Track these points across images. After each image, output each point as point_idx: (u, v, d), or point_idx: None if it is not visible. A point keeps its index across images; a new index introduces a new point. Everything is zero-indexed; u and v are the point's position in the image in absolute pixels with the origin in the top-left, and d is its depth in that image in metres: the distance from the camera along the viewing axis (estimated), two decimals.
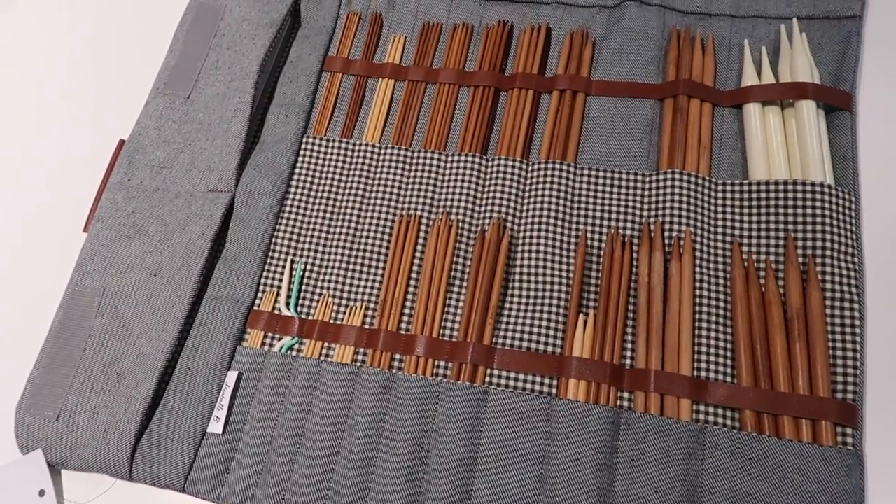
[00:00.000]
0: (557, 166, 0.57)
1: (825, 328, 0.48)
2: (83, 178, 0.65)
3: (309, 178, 0.61)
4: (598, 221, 0.56)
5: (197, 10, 0.69)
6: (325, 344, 0.55)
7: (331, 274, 0.57)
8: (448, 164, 0.60)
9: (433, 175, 0.60)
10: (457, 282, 0.55)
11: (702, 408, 0.48)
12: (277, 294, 0.57)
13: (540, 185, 0.57)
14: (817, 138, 0.54)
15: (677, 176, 0.55)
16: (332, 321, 0.56)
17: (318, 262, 0.58)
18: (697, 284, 0.51)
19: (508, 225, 0.56)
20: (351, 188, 0.60)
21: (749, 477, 0.45)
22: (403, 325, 0.55)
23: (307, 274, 0.58)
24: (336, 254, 0.58)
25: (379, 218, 0.58)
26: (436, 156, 0.60)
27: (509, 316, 0.54)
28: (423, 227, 0.58)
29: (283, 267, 0.58)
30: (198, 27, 0.68)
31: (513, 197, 0.57)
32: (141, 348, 0.54)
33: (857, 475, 0.44)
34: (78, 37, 0.76)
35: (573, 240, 0.55)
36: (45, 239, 0.64)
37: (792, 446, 0.45)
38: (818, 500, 0.43)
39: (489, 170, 0.59)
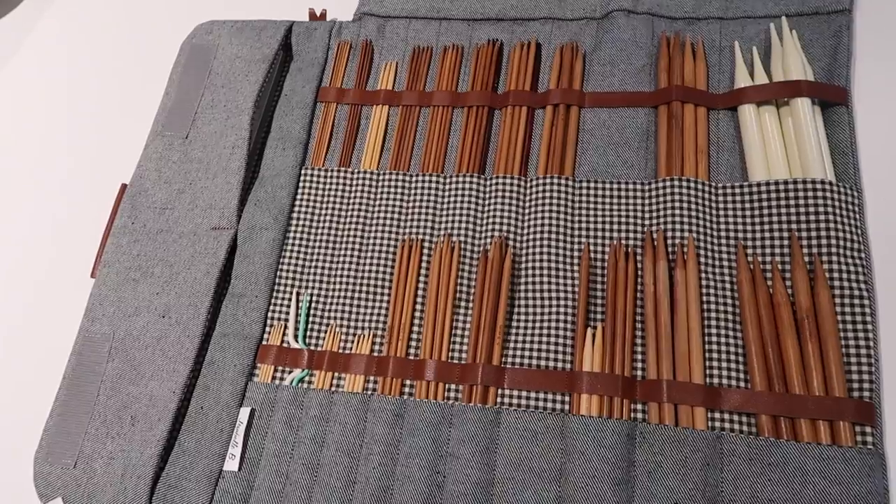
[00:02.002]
0: (556, 181, 0.57)
1: (836, 326, 0.48)
2: (88, 224, 0.66)
3: (310, 210, 0.62)
4: (600, 233, 0.56)
5: (190, 51, 0.70)
6: (336, 374, 0.55)
7: (337, 303, 0.58)
8: (447, 186, 0.60)
9: (433, 198, 0.60)
10: (463, 303, 0.55)
11: (717, 415, 0.48)
12: (285, 327, 0.57)
13: (539, 201, 0.57)
14: (815, 135, 0.54)
15: (676, 183, 0.55)
16: (340, 351, 0.56)
17: (323, 292, 0.59)
18: (704, 291, 0.51)
19: (510, 243, 0.56)
20: (352, 217, 0.61)
21: (770, 483, 0.44)
22: (412, 351, 0.55)
23: (313, 305, 0.58)
24: (341, 283, 0.58)
25: (381, 244, 0.59)
26: (434, 178, 0.60)
27: (517, 334, 0.53)
28: (425, 251, 0.58)
29: (290, 300, 0.58)
30: (192, 67, 0.69)
31: (513, 214, 0.57)
32: (153, 390, 0.54)
33: (880, 475, 0.43)
34: (75, 86, 0.77)
35: (576, 253, 0.55)
36: (54, 287, 0.65)
37: (811, 449, 0.44)
38: None
39: (488, 189, 0.59)
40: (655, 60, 0.61)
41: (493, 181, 0.59)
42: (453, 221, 0.58)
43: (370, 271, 0.58)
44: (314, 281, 0.59)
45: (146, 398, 0.54)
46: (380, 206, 0.60)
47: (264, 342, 0.57)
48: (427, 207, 0.59)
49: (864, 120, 0.56)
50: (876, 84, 0.58)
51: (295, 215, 0.61)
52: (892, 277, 0.50)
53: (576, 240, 0.56)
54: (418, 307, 0.56)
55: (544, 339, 0.52)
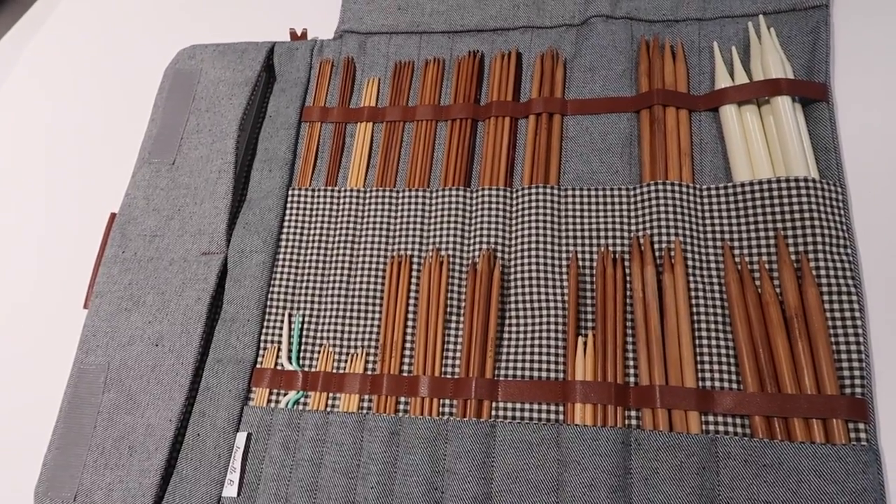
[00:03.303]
0: (541, 190, 0.58)
1: (825, 324, 0.48)
2: (79, 254, 0.66)
3: (298, 231, 0.62)
4: (587, 241, 0.56)
5: (173, 77, 0.70)
6: (330, 394, 0.55)
7: (329, 323, 0.58)
8: (433, 201, 0.60)
9: (420, 213, 0.60)
10: (454, 317, 0.55)
11: (710, 418, 0.48)
12: (278, 349, 0.57)
13: (526, 211, 0.57)
14: (797, 133, 0.54)
15: (661, 187, 0.55)
16: (334, 371, 0.56)
17: (315, 312, 0.59)
18: (693, 294, 0.51)
19: (499, 255, 0.57)
20: (340, 235, 0.61)
21: (766, 484, 0.44)
22: (405, 368, 0.55)
23: (306, 326, 0.58)
24: (332, 303, 0.58)
25: (370, 262, 0.59)
26: (420, 193, 0.61)
27: (509, 346, 0.54)
28: (415, 267, 0.58)
29: (282, 322, 0.58)
30: (176, 93, 0.69)
31: (500, 226, 0.58)
32: (150, 419, 0.55)
33: (875, 471, 0.43)
34: (60, 116, 0.77)
35: (564, 262, 0.55)
36: (47, 320, 0.65)
37: (805, 448, 0.44)
38: (838, 502, 0.43)
39: (474, 201, 0.59)
40: (636, 64, 0.62)
41: (479, 193, 0.59)
42: (441, 235, 0.58)
43: (361, 289, 0.58)
44: (306, 302, 0.59)
45: (143, 427, 0.54)
46: (367, 223, 0.61)
47: (258, 365, 0.57)
48: (414, 223, 0.60)
49: (846, 115, 0.56)
50: (856, 78, 0.58)
51: (284, 237, 0.62)
52: (879, 272, 0.50)
53: (563, 248, 0.56)
54: (410, 323, 0.56)
55: (536, 349, 0.52)
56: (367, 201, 0.61)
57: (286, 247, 0.61)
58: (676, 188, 0.55)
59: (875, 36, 0.59)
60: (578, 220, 0.57)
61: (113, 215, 0.65)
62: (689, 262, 0.52)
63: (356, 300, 0.58)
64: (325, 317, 0.58)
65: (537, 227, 0.56)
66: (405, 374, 0.54)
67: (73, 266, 0.66)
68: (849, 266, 0.49)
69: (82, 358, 0.58)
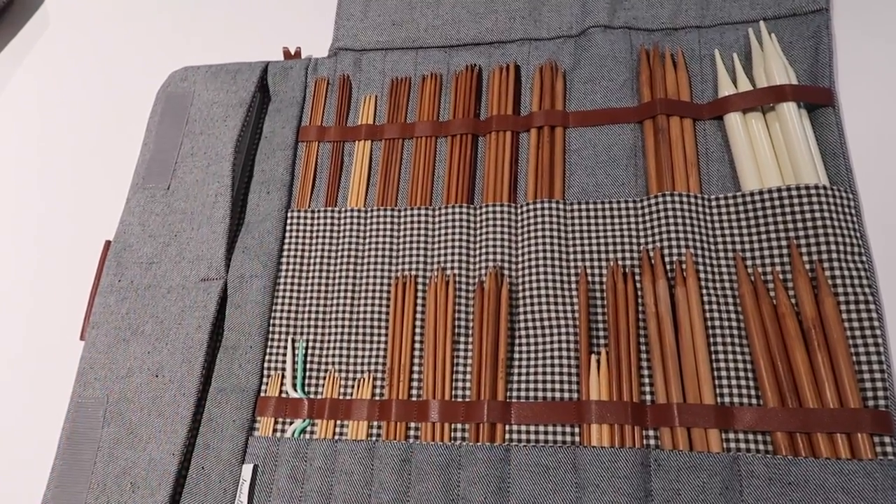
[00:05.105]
0: (546, 205, 0.56)
1: (844, 334, 0.47)
2: (74, 284, 0.64)
3: (299, 253, 0.60)
4: (595, 256, 0.55)
5: (166, 100, 0.69)
6: (338, 422, 0.53)
7: (334, 348, 0.56)
8: (436, 219, 0.59)
9: (423, 232, 0.59)
10: (462, 338, 0.54)
11: (731, 436, 0.46)
12: (283, 377, 0.56)
13: (531, 227, 0.56)
14: (804, 139, 0.53)
15: (668, 198, 0.54)
16: (341, 397, 0.54)
17: (319, 337, 0.57)
18: (707, 307, 0.50)
19: (506, 272, 0.55)
20: (342, 257, 0.59)
21: (791, 503, 0.43)
22: (414, 392, 0.53)
23: (310, 351, 0.57)
24: (336, 327, 0.57)
25: (374, 283, 0.57)
26: (423, 212, 0.59)
27: (520, 366, 0.52)
28: (420, 287, 0.56)
29: (285, 348, 0.57)
30: (168, 116, 0.68)
31: (506, 243, 0.56)
32: (151, 453, 0.53)
33: None
34: (50, 143, 0.76)
35: (573, 278, 0.54)
36: (43, 353, 0.63)
37: (830, 465, 0.43)
38: None
39: (478, 218, 0.58)
40: (636, 74, 0.61)
41: (483, 210, 0.58)
42: (446, 254, 0.57)
43: (365, 312, 0.56)
44: (309, 327, 0.57)
45: (145, 462, 0.53)
46: (370, 244, 0.59)
47: (262, 394, 0.55)
48: (418, 242, 0.58)
49: (853, 119, 0.55)
50: (861, 81, 0.57)
51: (284, 260, 0.60)
52: (894, 279, 0.49)
53: (571, 264, 0.55)
54: (417, 346, 0.54)
55: (548, 369, 0.51)
56: (369, 221, 0.60)
57: (287, 270, 0.60)
58: (685, 199, 0.53)
59: (876, 38, 0.59)
60: (586, 234, 0.55)
61: (108, 243, 0.63)
62: (702, 275, 0.51)
63: (361, 323, 0.56)
64: (329, 341, 0.57)
65: (544, 243, 0.55)
66: (414, 399, 0.53)
67: (68, 296, 0.64)
68: (865, 274, 0.48)
69: (80, 391, 0.57)
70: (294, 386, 0.55)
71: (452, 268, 0.56)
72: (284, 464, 0.52)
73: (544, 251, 0.55)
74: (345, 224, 0.61)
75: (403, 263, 0.58)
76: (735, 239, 0.52)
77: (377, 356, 0.55)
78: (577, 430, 0.49)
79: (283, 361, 0.56)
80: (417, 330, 0.55)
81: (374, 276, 0.58)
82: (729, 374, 0.48)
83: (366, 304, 0.57)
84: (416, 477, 0.49)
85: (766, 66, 0.57)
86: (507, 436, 0.50)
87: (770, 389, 0.47)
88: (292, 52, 0.71)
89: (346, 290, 0.58)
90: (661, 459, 0.46)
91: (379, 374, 0.54)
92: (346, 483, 0.50)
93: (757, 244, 0.52)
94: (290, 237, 0.61)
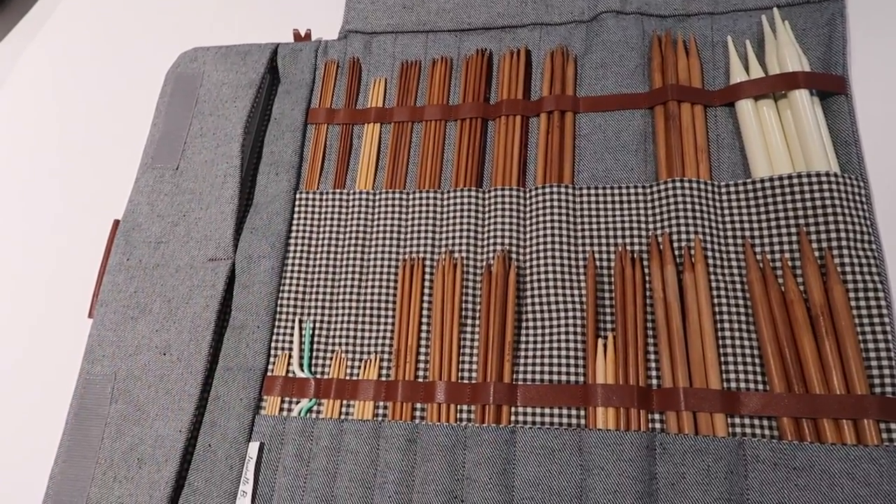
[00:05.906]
0: (555, 189, 0.56)
1: (853, 321, 0.47)
2: (83, 262, 0.64)
3: (307, 235, 0.60)
4: (604, 240, 0.55)
5: (175, 80, 0.69)
6: (344, 402, 0.54)
7: (341, 329, 0.56)
8: (445, 202, 0.59)
9: (431, 215, 0.59)
10: (469, 321, 0.54)
11: (737, 420, 0.47)
12: (290, 356, 0.56)
13: (540, 211, 0.56)
14: (815, 127, 0.53)
15: (678, 184, 0.54)
16: (347, 377, 0.55)
17: (326, 318, 0.57)
18: (714, 293, 0.50)
19: (514, 256, 0.55)
20: (350, 239, 0.59)
21: (796, 488, 0.43)
22: (420, 373, 0.53)
23: (317, 332, 0.57)
24: (343, 308, 0.57)
25: (382, 266, 0.57)
26: (431, 195, 0.59)
27: (527, 349, 0.52)
28: (427, 270, 0.57)
29: (292, 328, 0.57)
30: (178, 97, 0.68)
31: (514, 227, 0.56)
32: (159, 430, 0.53)
33: None
34: (60, 122, 0.76)
35: (581, 262, 0.54)
36: (51, 330, 0.64)
37: (836, 450, 0.43)
38: None
39: (487, 202, 0.58)
40: (648, 60, 0.60)
41: (492, 194, 0.58)
42: (454, 237, 0.57)
43: (373, 294, 0.57)
44: (316, 307, 0.58)
45: (152, 439, 0.53)
46: (378, 226, 0.59)
47: (269, 373, 0.56)
48: (426, 225, 0.58)
49: (865, 107, 0.55)
50: (874, 69, 0.57)
51: (292, 241, 0.60)
52: None
53: (580, 248, 0.55)
54: (424, 328, 0.55)
55: (555, 352, 0.51)
56: (377, 203, 0.60)
57: (295, 251, 0.60)
58: (694, 185, 0.53)
59: (891, 27, 0.58)
60: (594, 219, 0.55)
61: (116, 222, 0.64)
62: (710, 261, 0.51)
63: (368, 305, 0.56)
64: (336, 322, 0.57)
65: (552, 228, 0.55)
66: (421, 380, 0.53)
67: (77, 275, 0.65)
68: (874, 262, 0.48)
69: (88, 368, 0.57)
70: (301, 366, 0.55)
71: (460, 251, 0.56)
72: (291, 442, 0.52)
73: (553, 235, 0.55)
74: (353, 206, 0.61)
75: (411, 246, 0.58)
76: (744, 225, 0.52)
77: (384, 338, 0.55)
78: (582, 413, 0.49)
79: (291, 341, 0.57)
80: (424, 312, 0.55)
81: (382, 259, 0.58)
82: (736, 359, 0.48)
83: (373, 286, 0.57)
84: (422, 457, 0.49)
85: (779, 54, 0.56)
86: (512, 418, 0.50)
87: (777, 375, 0.47)
88: (302, 35, 0.71)
89: (353, 272, 0.58)
90: (667, 443, 0.46)
91: (386, 356, 0.55)
92: (352, 462, 0.50)
93: (766, 231, 0.51)
94: (299, 219, 0.61)
